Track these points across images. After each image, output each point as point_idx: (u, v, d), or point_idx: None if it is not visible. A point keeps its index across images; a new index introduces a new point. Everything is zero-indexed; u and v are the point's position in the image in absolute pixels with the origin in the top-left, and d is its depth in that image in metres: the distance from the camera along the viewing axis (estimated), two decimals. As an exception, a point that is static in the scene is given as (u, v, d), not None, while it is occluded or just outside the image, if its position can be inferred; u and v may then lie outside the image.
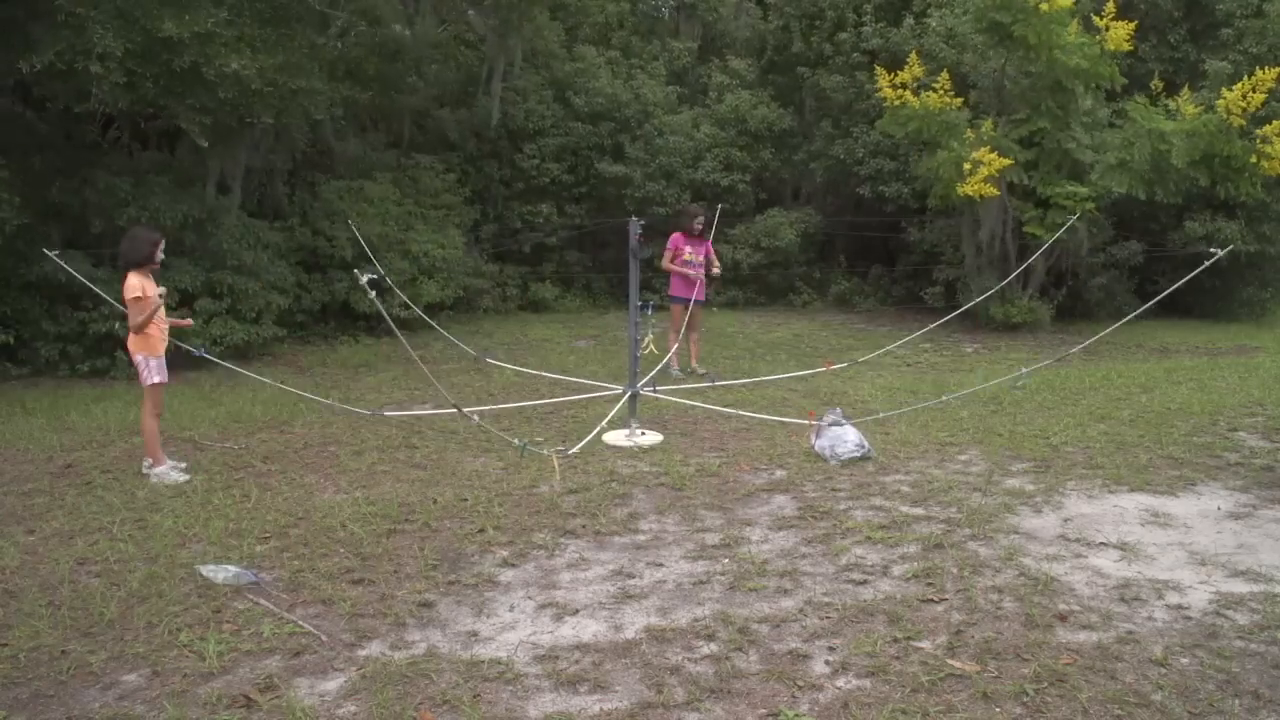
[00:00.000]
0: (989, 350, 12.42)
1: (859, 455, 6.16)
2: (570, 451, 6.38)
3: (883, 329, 14.72)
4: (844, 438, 6.24)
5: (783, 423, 7.26)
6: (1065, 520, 4.91)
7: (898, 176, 16.48)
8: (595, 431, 6.92)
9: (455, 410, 6.26)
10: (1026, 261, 12.12)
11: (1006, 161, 12.63)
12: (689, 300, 9.56)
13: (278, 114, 11.12)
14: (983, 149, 12.58)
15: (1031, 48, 12.51)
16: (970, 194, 12.56)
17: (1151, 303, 7.23)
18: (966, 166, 12.58)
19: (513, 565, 4.37)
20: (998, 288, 12.24)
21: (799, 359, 11.58)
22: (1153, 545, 4.53)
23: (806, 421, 6.99)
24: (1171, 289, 7.01)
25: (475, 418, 6.45)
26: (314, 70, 11.43)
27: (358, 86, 14.26)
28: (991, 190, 12.58)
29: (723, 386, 8.76)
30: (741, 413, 7.61)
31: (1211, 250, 5.81)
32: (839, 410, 6.61)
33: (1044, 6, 12.18)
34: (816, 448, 6.26)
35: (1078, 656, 3.37)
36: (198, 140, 10.17)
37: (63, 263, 7.32)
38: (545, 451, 6.27)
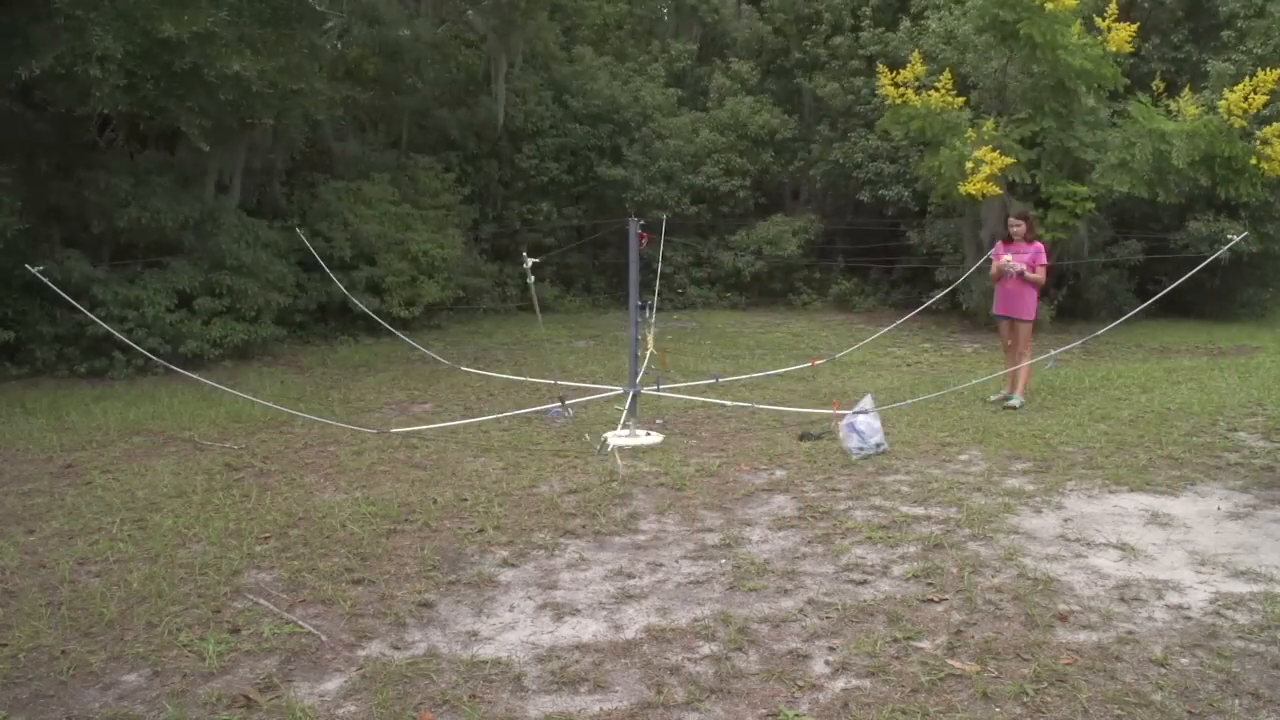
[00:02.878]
0: (989, 350, 12.41)
1: (875, 452, 6.22)
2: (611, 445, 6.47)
3: (883, 329, 14.73)
4: (870, 433, 6.28)
5: (788, 414, 7.26)
6: (1065, 520, 4.91)
7: (898, 179, 16.48)
8: (627, 430, 6.94)
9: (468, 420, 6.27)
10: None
11: (1009, 160, 12.63)
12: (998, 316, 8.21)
13: (278, 115, 11.11)
14: (984, 148, 12.58)
15: (1037, 47, 12.52)
16: (972, 193, 12.56)
17: (1157, 297, 7.17)
18: (969, 165, 12.59)
19: (513, 565, 4.36)
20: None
21: (799, 359, 11.59)
22: (1153, 545, 4.52)
23: (831, 411, 6.93)
24: (1180, 281, 6.96)
25: (569, 411, 6.55)
26: (314, 71, 11.42)
27: (357, 87, 14.25)
28: (994, 189, 12.58)
29: (723, 385, 8.75)
30: (759, 405, 7.60)
31: (1229, 235, 5.77)
32: (869, 397, 6.63)
33: (1050, 6, 12.19)
34: (846, 443, 6.30)
35: (1078, 656, 3.37)
36: (197, 143, 10.16)
37: (45, 279, 7.10)
38: (602, 449, 6.35)
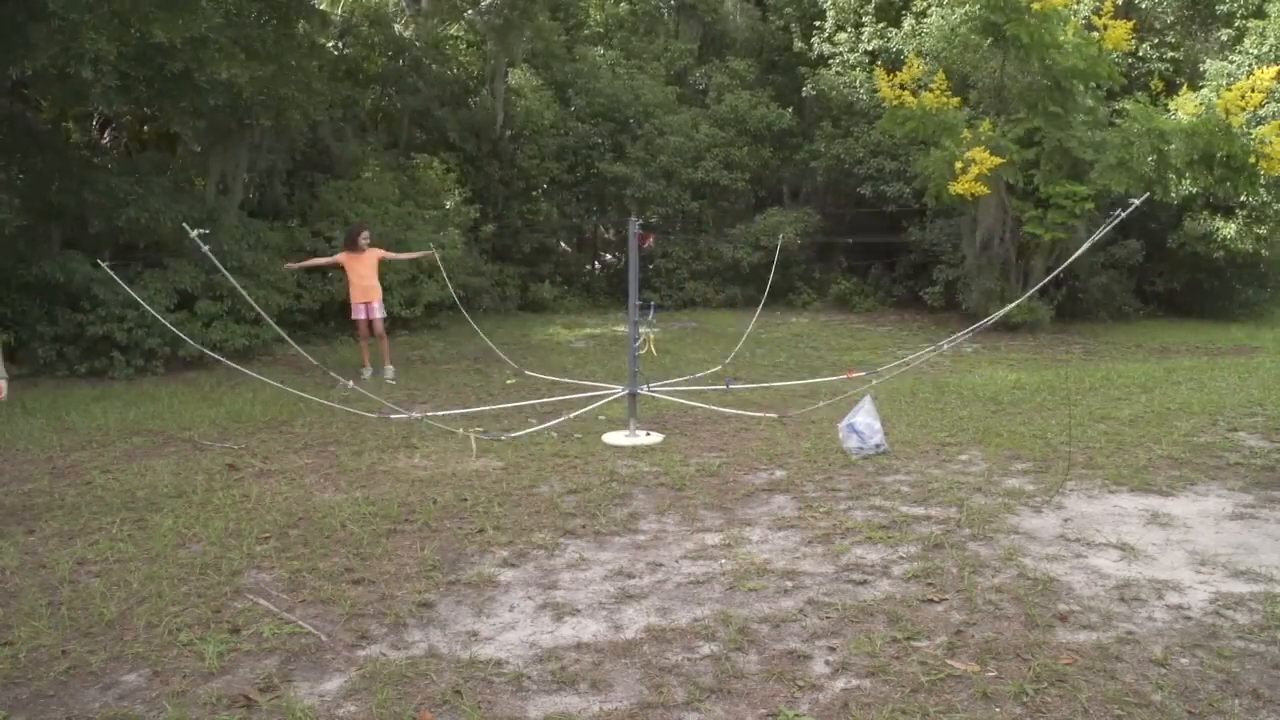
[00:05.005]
0: (988, 350, 12.41)
1: (875, 452, 6.23)
2: (504, 438, 6.54)
3: (882, 329, 14.73)
4: (870, 434, 6.30)
5: (759, 417, 7.26)
6: (1065, 520, 4.91)
7: (898, 176, 16.48)
8: (542, 426, 7.00)
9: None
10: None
11: (998, 160, 12.63)
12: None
13: (275, 115, 11.11)
14: (976, 148, 12.60)
15: (1025, 47, 12.53)
16: (961, 193, 12.57)
17: (1084, 246, 7.32)
18: (959, 165, 12.60)
19: (513, 565, 4.36)
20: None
21: (798, 358, 11.59)
22: (1153, 545, 4.53)
23: (771, 416, 7.00)
24: (1097, 235, 7.13)
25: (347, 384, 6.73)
26: (312, 72, 11.40)
27: (357, 87, 14.23)
28: (982, 189, 12.58)
29: (727, 390, 8.75)
30: (721, 409, 7.61)
31: (1131, 200, 6.10)
32: (869, 398, 6.65)
33: (1036, 6, 12.20)
34: (846, 444, 6.31)
35: (1078, 656, 3.37)
36: (191, 144, 10.18)
37: (111, 272, 7.25)
38: (460, 431, 6.42)
